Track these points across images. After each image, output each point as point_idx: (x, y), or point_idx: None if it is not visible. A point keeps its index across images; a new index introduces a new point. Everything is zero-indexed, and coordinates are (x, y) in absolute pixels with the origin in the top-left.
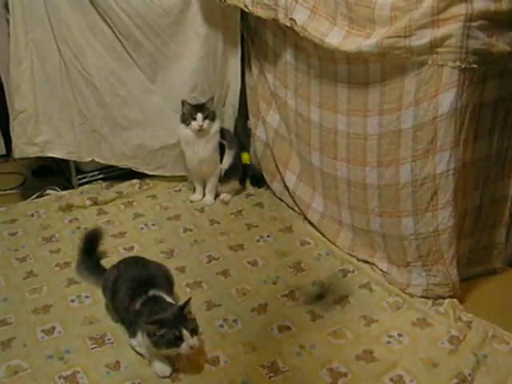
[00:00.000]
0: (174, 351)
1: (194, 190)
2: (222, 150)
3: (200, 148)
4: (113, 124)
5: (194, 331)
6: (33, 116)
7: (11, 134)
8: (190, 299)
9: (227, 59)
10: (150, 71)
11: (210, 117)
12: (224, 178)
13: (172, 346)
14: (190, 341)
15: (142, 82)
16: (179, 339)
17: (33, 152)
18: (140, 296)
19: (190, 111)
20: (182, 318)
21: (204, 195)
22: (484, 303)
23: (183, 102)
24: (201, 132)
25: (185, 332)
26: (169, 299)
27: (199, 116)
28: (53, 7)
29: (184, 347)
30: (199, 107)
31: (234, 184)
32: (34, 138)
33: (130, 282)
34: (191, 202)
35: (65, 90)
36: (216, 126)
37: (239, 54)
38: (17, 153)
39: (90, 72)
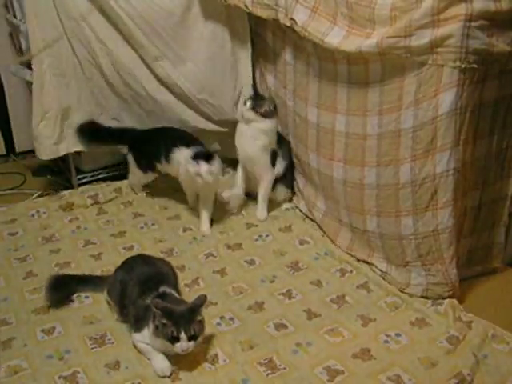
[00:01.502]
0: (168, 346)
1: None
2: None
3: (248, 142)
4: (129, 112)
5: (194, 337)
6: (58, 114)
7: (35, 139)
8: (205, 299)
9: (238, 60)
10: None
11: (261, 112)
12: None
13: (166, 339)
14: (184, 344)
15: (153, 80)
16: (175, 339)
17: (61, 150)
18: (151, 292)
19: (245, 99)
20: (188, 319)
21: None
22: (483, 303)
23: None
24: (245, 120)
25: (182, 335)
26: (177, 295)
27: (248, 102)
28: (61, 5)
29: (177, 347)
30: (254, 98)
31: (289, 190)
32: (61, 136)
33: (139, 279)
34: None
35: (80, 84)
36: (269, 124)
37: (249, 53)
38: (46, 154)
39: (102, 66)
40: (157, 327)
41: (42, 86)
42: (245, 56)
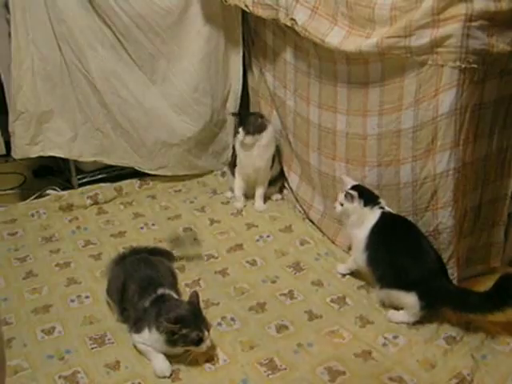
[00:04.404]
0: (184, 349)
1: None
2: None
3: (256, 157)
4: (114, 123)
5: (208, 331)
6: (34, 116)
7: (11, 135)
8: (198, 295)
9: (229, 60)
10: (151, 72)
11: (254, 131)
12: (273, 180)
13: (190, 345)
14: (208, 342)
15: (143, 83)
16: (201, 340)
17: (34, 152)
18: (149, 294)
19: (236, 123)
20: (201, 317)
21: (244, 202)
22: None
23: (232, 114)
24: (245, 145)
25: (206, 334)
26: (176, 296)
27: (241, 131)
28: (53, 7)
29: (203, 347)
30: (243, 121)
31: (281, 183)
32: (36, 138)
33: (139, 281)
34: (239, 212)
35: (66, 89)
36: (268, 136)
37: (241, 54)
38: (18, 153)
39: (90, 72)
40: (173, 341)
41: (19, 87)
42: (236, 59)
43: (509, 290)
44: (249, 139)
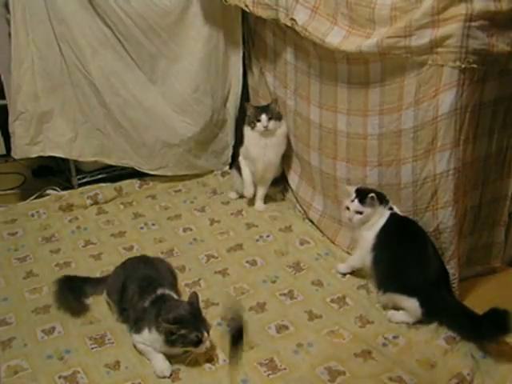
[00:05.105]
0: (184, 350)
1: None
2: None
3: (269, 151)
4: (114, 123)
5: (208, 332)
6: (34, 116)
7: (11, 135)
8: (197, 296)
9: (229, 59)
10: (151, 72)
11: (275, 117)
12: (275, 181)
13: (189, 346)
14: (207, 343)
15: (143, 83)
16: (200, 341)
17: (34, 152)
18: (149, 295)
19: (254, 113)
20: (200, 318)
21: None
22: (483, 303)
23: (247, 105)
24: (266, 132)
25: (206, 335)
26: (176, 296)
27: (263, 117)
28: (53, 7)
29: (201, 348)
30: (263, 108)
31: (282, 185)
32: (36, 138)
33: (138, 281)
34: (250, 201)
35: (66, 89)
36: (283, 128)
37: (241, 54)
38: (18, 153)
39: (90, 72)
40: (172, 341)
41: (19, 87)
42: (235, 59)
43: (495, 325)
44: (272, 125)
